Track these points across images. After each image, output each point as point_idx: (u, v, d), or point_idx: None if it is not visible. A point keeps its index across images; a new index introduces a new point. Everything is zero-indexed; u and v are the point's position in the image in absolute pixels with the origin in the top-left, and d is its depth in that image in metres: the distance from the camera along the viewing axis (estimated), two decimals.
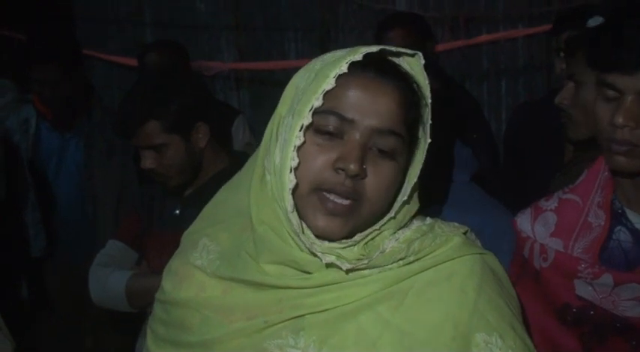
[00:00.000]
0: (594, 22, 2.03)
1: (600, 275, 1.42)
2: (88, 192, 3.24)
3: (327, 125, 1.11)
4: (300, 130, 1.10)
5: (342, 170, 1.09)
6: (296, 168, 1.11)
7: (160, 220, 2.28)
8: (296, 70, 1.20)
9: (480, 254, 1.20)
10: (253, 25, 5.34)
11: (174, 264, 1.30)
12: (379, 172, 1.12)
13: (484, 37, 4.48)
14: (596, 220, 1.48)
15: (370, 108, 1.11)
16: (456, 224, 1.24)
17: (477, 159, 2.04)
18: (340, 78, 1.11)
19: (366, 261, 1.13)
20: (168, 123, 2.11)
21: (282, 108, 1.18)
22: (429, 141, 1.18)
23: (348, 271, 1.13)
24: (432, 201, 1.18)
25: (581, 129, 1.95)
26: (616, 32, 1.37)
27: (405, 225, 1.20)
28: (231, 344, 1.16)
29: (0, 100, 3.53)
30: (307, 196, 1.12)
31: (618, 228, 1.47)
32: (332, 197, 1.11)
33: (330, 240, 1.14)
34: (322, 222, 1.12)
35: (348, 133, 1.11)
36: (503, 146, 3.12)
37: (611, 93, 1.38)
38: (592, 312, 1.44)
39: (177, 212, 2.23)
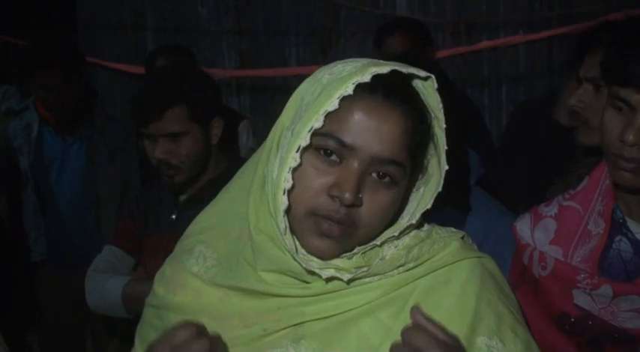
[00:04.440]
0: None
1: (600, 285, 1.39)
2: (90, 197, 3.24)
3: (326, 148, 1.07)
4: (297, 151, 1.07)
5: (338, 198, 1.06)
6: (292, 188, 1.08)
7: (157, 225, 2.26)
8: (297, 77, 1.17)
9: (478, 257, 1.20)
10: (255, 30, 5.36)
11: (168, 269, 1.28)
12: (375, 201, 1.09)
13: (485, 44, 4.46)
14: (596, 229, 1.45)
15: (373, 136, 1.06)
16: (453, 229, 1.23)
17: (481, 165, 2.04)
18: (345, 99, 1.05)
19: (365, 269, 1.12)
20: (193, 111, 2.08)
21: (285, 117, 1.14)
22: (447, 168, 1.14)
23: (349, 281, 1.12)
24: (438, 204, 1.17)
25: (597, 135, 1.77)
26: (632, 45, 1.31)
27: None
28: None
29: (2, 105, 3.54)
30: (303, 219, 1.09)
31: (618, 237, 1.44)
32: (326, 221, 1.09)
33: (322, 259, 1.12)
34: (316, 242, 1.09)
35: (346, 159, 1.07)
36: (502, 147, 3.08)
37: (623, 106, 1.34)
38: (590, 322, 1.42)
39: (174, 217, 2.20)
